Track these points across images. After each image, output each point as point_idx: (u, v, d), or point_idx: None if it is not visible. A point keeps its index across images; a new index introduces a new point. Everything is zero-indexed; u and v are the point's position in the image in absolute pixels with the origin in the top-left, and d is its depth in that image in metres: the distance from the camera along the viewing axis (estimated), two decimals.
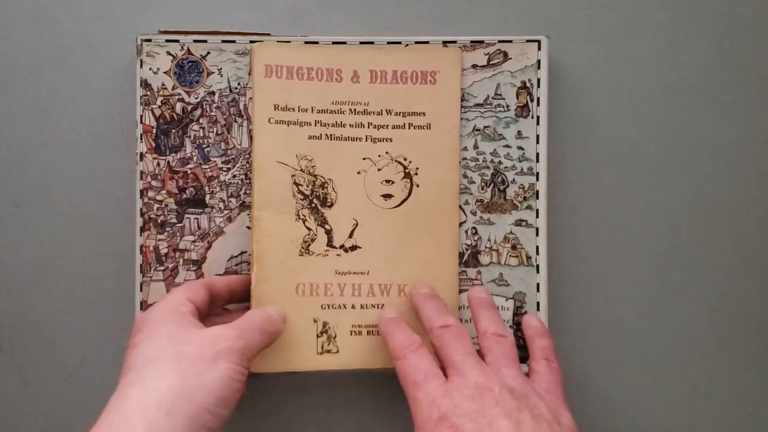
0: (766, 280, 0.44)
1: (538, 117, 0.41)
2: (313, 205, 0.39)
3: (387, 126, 0.40)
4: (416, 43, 0.40)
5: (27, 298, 0.43)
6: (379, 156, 0.40)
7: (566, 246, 0.44)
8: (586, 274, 0.44)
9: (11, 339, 0.43)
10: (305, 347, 0.39)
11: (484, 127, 0.42)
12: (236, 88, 0.41)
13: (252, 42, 0.41)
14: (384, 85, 0.39)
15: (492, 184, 0.42)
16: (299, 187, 0.39)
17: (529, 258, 0.42)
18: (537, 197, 0.42)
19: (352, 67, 0.39)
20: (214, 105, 0.41)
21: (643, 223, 0.44)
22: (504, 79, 0.42)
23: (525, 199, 0.42)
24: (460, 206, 0.42)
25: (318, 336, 0.39)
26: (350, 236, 0.40)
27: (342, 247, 0.40)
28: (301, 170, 0.39)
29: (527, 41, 0.41)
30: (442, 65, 0.40)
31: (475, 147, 0.42)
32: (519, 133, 0.42)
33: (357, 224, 0.40)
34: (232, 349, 0.33)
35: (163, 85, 0.41)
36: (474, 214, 0.42)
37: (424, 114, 0.40)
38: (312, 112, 0.39)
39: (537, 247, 0.41)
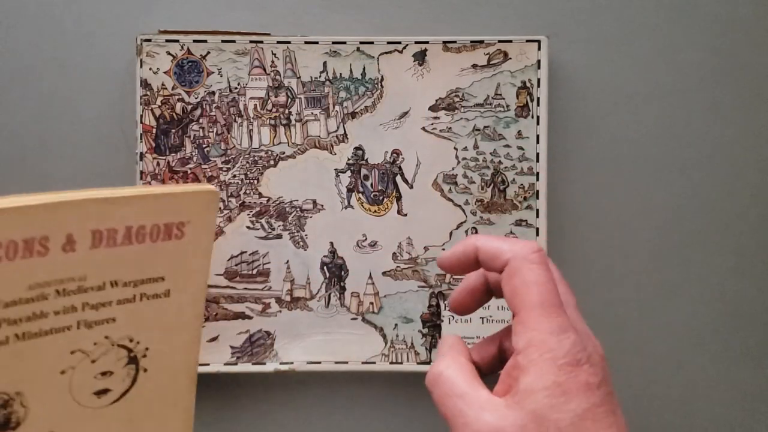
0: (766, 280, 0.44)
1: (538, 117, 0.41)
2: None
3: (110, 303, 0.29)
4: (170, 188, 0.31)
5: None
6: (95, 344, 0.29)
7: (566, 246, 0.44)
8: (586, 274, 0.44)
9: None
10: None
11: (484, 127, 0.42)
12: (236, 88, 0.41)
13: (252, 42, 0.41)
14: (111, 248, 0.28)
15: (492, 184, 0.42)
16: None
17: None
18: (537, 197, 0.42)
19: (65, 230, 0.26)
20: (214, 105, 0.41)
21: (642, 223, 0.44)
22: (504, 79, 0.42)
23: (525, 199, 0.42)
24: (460, 206, 0.42)
25: None
26: None
27: None
28: None
29: (527, 41, 0.41)
30: (194, 214, 0.30)
31: (475, 147, 0.42)
32: (519, 133, 0.42)
33: None
34: None
35: (163, 84, 0.41)
36: (474, 214, 0.42)
37: (162, 279, 0.30)
38: None
39: None
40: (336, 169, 0.42)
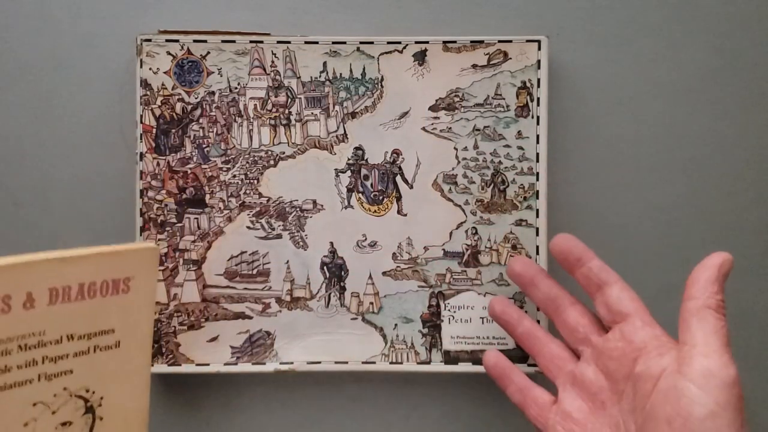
0: (766, 280, 0.44)
1: (538, 117, 0.41)
2: None
3: (67, 355, 0.31)
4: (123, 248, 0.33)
5: None
6: (55, 395, 0.31)
7: None
8: None
9: None
10: None
11: (484, 127, 0.42)
12: (236, 88, 0.41)
13: (252, 42, 0.41)
14: (67, 304, 0.30)
15: (492, 184, 0.42)
16: None
17: (529, 258, 0.42)
18: (537, 197, 0.42)
19: (24, 289, 0.29)
20: (214, 105, 0.41)
21: (642, 223, 0.44)
22: (504, 79, 0.42)
23: (525, 199, 0.42)
24: (460, 206, 0.42)
25: None
26: None
27: None
28: None
29: (527, 41, 0.41)
30: (137, 269, 0.33)
31: (475, 147, 0.42)
32: (519, 133, 0.42)
33: None
34: None
35: (163, 84, 0.41)
36: (474, 214, 0.42)
37: (113, 331, 0.32)
38: None
39: (537, 247, 0.41)
40: (336, 169, 0.42)
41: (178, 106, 0.41)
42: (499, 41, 0.41)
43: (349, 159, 0.42)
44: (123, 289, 0.32)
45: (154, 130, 0.41)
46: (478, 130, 0.42)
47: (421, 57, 0.42)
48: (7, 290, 0.28)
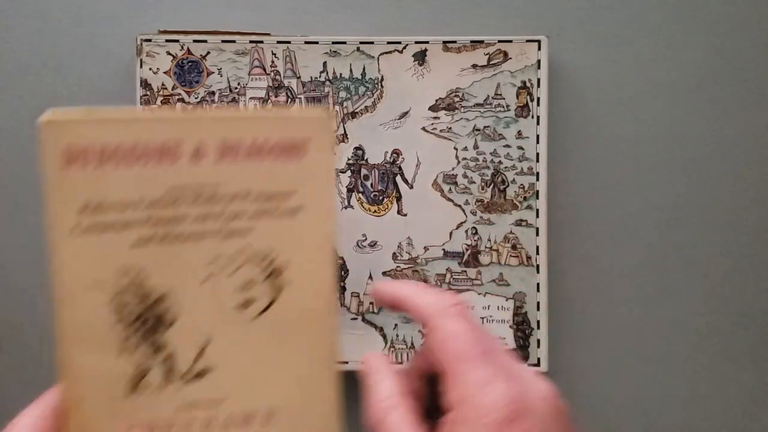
0: (766, 280, 0.44)
1: (538, 117, 0.41)
2: (144, 329, 0.30)
3: (244, 214, 0.30)
4: (278, 108, 0.32)
5: (27, 298, 0.43)
6: (234, 254, 0.31)
7: (566, 246, 0.44)
8: (586, 274, 0.44)
9: (11, 339, 0.43)
10: None
11: (484, 127, 0.42)
12: (236, 88, 0.41)
13: (252, 42, 0.41)
14: (237, 162, 0.30)
15: (492, 184, 0.42)
16: (124, 310, 0.30)
17: (529, 258, 0.42)
18: (537, 197, 0.42)
19: (194, 139, 0.29)
20: (214, 105, 0.41)
21: (643, 222, 0.44)
22: (504, 79, 0.42)
23: (525, 198, 0.42)
24: (460, 206, 0.42)
25: None
26: (197, 359, 0.31)
27: (187, 374, 0.31)
28: (125, 289, 0.29)
29: (527, 41, 0.41)
30: (314, 131, 0.31)
31: (475, 147, 0.42)
32: (519, 132, 0.42)
33: (208, 342, 0.31)
34: None
35: (163, 85, 0.41)
36: (474, 214, 0.42)
37: (291, 195, 0.31)
38: (138, 208, 0.29)
39: (537, 247, 0.41)
40: (336, 169, 0.42)
41: (178, 106, 0.41)
42: (499, 41, 0.41)
43: (349, 159, 0.42)
44: (299, 154, 0.31)
45: None
46: (478, 130, 0.42)
47: (421, 57, 0.42)
48: (174, 139, 0.28)
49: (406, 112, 0.42)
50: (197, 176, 0.29)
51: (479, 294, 0.42)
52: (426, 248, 0.42)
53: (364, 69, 0.42)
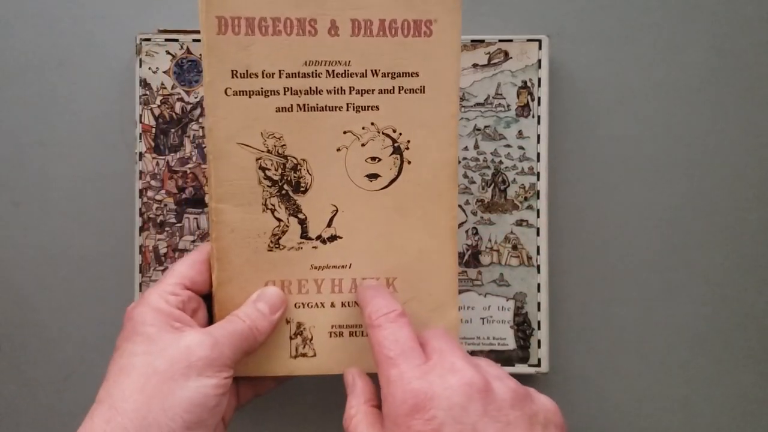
0: (766, 280, 0.44)
1: (538, 116, 0.41)
2: (283, 191, 0.33)
3: (373, 91, 0.33)
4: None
5: (26, 298, 0.43)
6: (363, 128, 0.33)
7: (566, 246, 0.44)
8: (586, 274, 0.44)
9: (11, 339, 0.43)
10: (277, 350, 0.35)
11: (485, 126, 0.42)
12: None
13: None
14: (369, 38, 0.32)
15: (493, 184, 0.42)
16: (266, 171, 0.33)
17: (529, 258, 0.41)
18: (538, 197, 0.41)
19: (329, 15, 0.31)
20: None
21: (643, 223, 0.44)
22: (505, 79, 0.41)
23: (526, 198, 0.42)
24: (460, 206, 0.42)
25: (291, 338, 0.35)
26: (329, 225, 0.34)
27: (319, 237, 0.34)
28: (268, 151, 0.32)
29: (528, 41, 0.41)
30: (440, 12, 0.32)
31: (476, 147, 0.42)
32: (520, 132, 0.42)
33: (337, 211, 0.34)
34: (208, 361, 0.30)
35: (162, 84, 0.41)
36: (474, 214, 0.42)
37: (417, 74, 0.33)
38: (280, 77, 0.32)
39: (538, 247, 0.41)
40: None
41: (178, 106, 0.41)
42: (500, 41, 0.41)
43: None
44: (426, 32, 0.32)
45: (154, 130, 0.41)
46: (479, 129, 0.42)
47: None
48: (312, 13, 0.31)
49: None
50: (332, 50, 0.32)
51: (480, 294, 0.42)
52: None
53: None
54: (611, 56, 0.44)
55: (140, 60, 0.41)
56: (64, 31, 0.43)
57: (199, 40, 0.41)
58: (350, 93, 0.33)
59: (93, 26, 0.43)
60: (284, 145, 0.33)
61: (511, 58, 0.41)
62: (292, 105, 0.32)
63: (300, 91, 0.32)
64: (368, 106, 0.33)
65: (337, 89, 0.32)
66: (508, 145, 0.42)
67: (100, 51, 0.43)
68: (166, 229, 0.41)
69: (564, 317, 0.44)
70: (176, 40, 0.41)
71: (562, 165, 0.44)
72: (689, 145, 0.44)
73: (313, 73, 0.32)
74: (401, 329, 0.30)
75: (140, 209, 0.41)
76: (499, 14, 0.44)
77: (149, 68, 0.41)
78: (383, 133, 0.33)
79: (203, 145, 0.41)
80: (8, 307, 0.43)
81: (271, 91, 0.32)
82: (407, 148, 0.34)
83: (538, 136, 0.41)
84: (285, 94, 0.32)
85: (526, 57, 0.41)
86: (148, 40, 0.41)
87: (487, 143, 0.42)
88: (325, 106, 0.32)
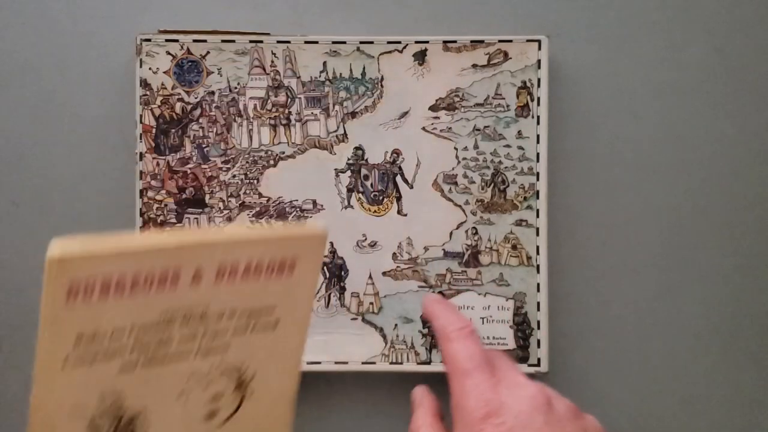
0: (766, 280, 0.44)
1: (538, 117, 0.41)
2: None
3: (226, 332, 0.30)
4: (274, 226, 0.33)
5: (27, 298, 0.43)
6: (209, 370, 0.31)
7: (566, 246, 0.44)
8: (586, 274, 0.44)
9: (11, 339, 0.43)
10: None
11: (485, 126, 0.42)
12: (236, 88, 0.41)
13: (251, 42, 0.41)
14: (232, 283, 0.29)
15: (492, 184, 0.42)
16: (97, 429, 0.29)
17: (529, 258, 0.42)
18: (537, 197, 0.42)
19: (194, 265, 0.28)
20: (214, 105, 0.41)
21: (643, 223, 0.44)
22: (504, 79, 0.42)
23: (525, 199, 0.42)
24: (460, 206, 0.42)
25: None
26: None
27: None
28: (103, 413, 0.29)
29: (527, 41, 0.41)
30: (304, 253, 0.31)
31: (475, 147, 0.42)
32: (519, 132, 0.42)
33: None
34: None
35: (162, 84, 0.41)
36: (474, 214, 0.42)
37: (273, 310, 0.31)
38: (130, 334, 0.28)
39: (537, 247, 0.41)
40: (336, 169, 0.42)
41: (178, 106, 0.41)
42: (500, 41, 0.41)
43: (349, 159, 0.42)
44: (288, 271, 0.31)
45: (154, 130, 0.41)
46: (479, 129, 0.42)
47: (421, 57, 0.42)
48: (177, 265, 0.28)
49: (406, 112, 0.42)
50: (192, 298, 0.28)
51: (479, 294, 0.42)
52: (426, 248, 0.42)
53: (364, 69, 0.42)
54: (611, 56, 0.44)
55: (140, 60, 0.41)
56: (64, 32, 0.43)
57: (199, 41, 0.41)
58: (202, 338, 0.30)
59: (93, 26, 0.43)
60: (122, 401, 0.29)
61: (510, 58, 0.41)
62: (138, 361, 0.29)
63: (150, 344, 0.29)
64: (218, 347, 0.30)
65: (189, 336, 0.29)
66: (507, 146, 0.42)
67: (100, 51, 0.43)
68: (167, 229, 0.41)
69: (564, 317, 0.44)
70: (176, 41, 0.41)
71: (562, 165, 0.44)
72: (689, 145, 0.44)
73: (167, 321, 0.28)
74: (475, 345, 0.34)
75: (140, 209, 0.41)
76: (499, 14, 0.44)
77: (149, 68, 0.41)
78: (229, 371, 0.31)
79: (203, 146, 0.41)
80: (8, 307, 0.43)
81: (117, 351, 0.28)
82: (251, 381, 0.32)
83: (538, 137, 0.41)
84: (132, 352, 0.28)
85: (526, 57, 0.41)
86: (149, 40, 0.41)
87: (487, 143, 0.42)
88: (173, 355, 0.29)
